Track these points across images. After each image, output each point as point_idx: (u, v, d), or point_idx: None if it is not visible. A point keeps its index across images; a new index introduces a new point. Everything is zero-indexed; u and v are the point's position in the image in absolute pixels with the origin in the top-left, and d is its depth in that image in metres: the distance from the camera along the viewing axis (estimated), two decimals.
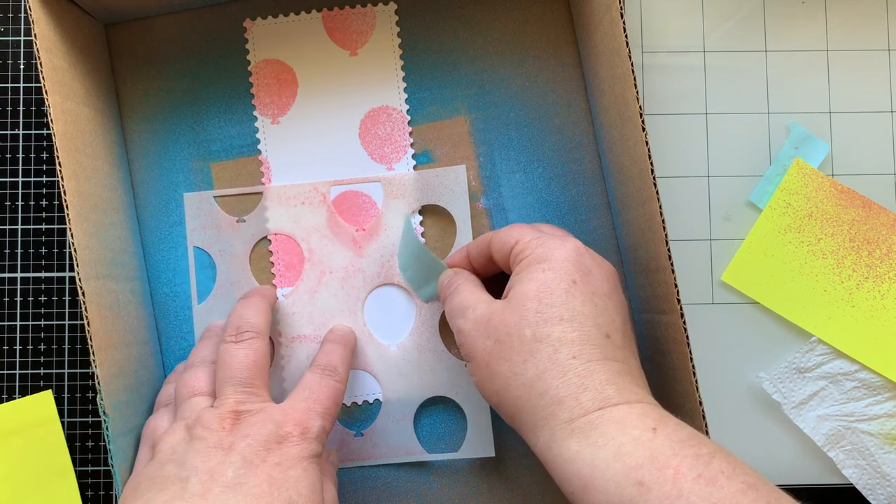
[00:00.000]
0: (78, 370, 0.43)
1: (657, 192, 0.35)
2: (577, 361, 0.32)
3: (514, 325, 0.33)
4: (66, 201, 0.35)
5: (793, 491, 0.30)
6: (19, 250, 0.43)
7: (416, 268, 0.42)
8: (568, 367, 0.32)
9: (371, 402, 0.43)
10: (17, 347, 0.43)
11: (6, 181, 0.43)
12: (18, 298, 0.43)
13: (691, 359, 0.35)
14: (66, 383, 0.43)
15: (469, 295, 0.36)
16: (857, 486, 0.43)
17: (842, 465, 0.43)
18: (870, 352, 0.42)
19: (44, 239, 0.43)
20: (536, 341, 0.32)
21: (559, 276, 0.33)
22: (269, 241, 0.43)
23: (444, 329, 0.43)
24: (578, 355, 0.32)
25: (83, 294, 0.35)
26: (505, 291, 0.35)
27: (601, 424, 0.30)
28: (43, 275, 0.43)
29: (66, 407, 0.43)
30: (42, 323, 0.43)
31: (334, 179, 0.43)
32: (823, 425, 0.43)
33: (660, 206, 0.35)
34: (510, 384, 0.33)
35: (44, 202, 0.43)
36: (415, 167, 0.43)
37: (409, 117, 0.43)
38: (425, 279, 0.42)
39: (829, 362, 0.43)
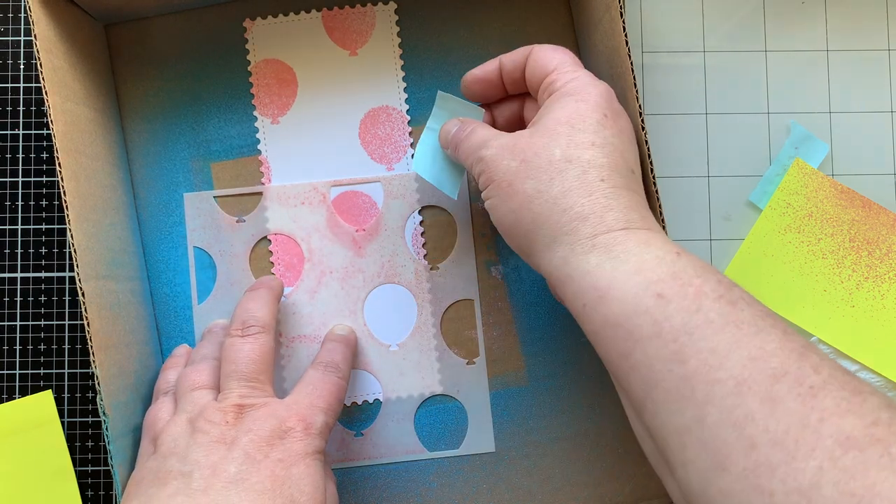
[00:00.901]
0: (78, 370, 0.43)
1: (657, 192, 0.35)
2: (605, 184, 0.32)
3: (543, 146, 0.33)
4: (66, 202, 0.35)
5: None
6: (19, 250, 0.43)
7: (440, 157, 0.41)
8: (595, 188, 0.32)
9: (371, 401, 0.43)
10: (17, 347, 0.43)
11: (6, 181, 0.43)
12: (18, 298, 0.43)
13: None
14: (66, 383, 0.43)
15: (489, 130, 0.36)
16: None
17: None
18: (870, 352, 0.42)
19: (44, 239, 0.43)
20: (566, 161, 0.32)
21: (592, 108, 0.33)
22: (269, 241, 0.43)
23: (444, 329, 0.43)
24: (607, 179, 0.32)
25: (83, 294, 0.35)
26: (532, 122, 0.35)
27: (625, 241, 0.30)
28: (43, 275, 0.43)
29: (66, 407, 0.43)
30: (42, 323, 0.43)
31: (334, 179, 0.43)
32: None
33: (660, 206, 0.35)
34: (532, 201, 0.32)
35: (44, 202, 0.43)
36: None
37: (409, 117, 0.43)
38: (453, 167, 0.41)
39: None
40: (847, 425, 0.24)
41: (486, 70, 0.39)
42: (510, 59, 0.38)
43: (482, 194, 0.35)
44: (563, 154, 0.32)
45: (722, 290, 0.28)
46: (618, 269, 0.30)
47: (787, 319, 0.43)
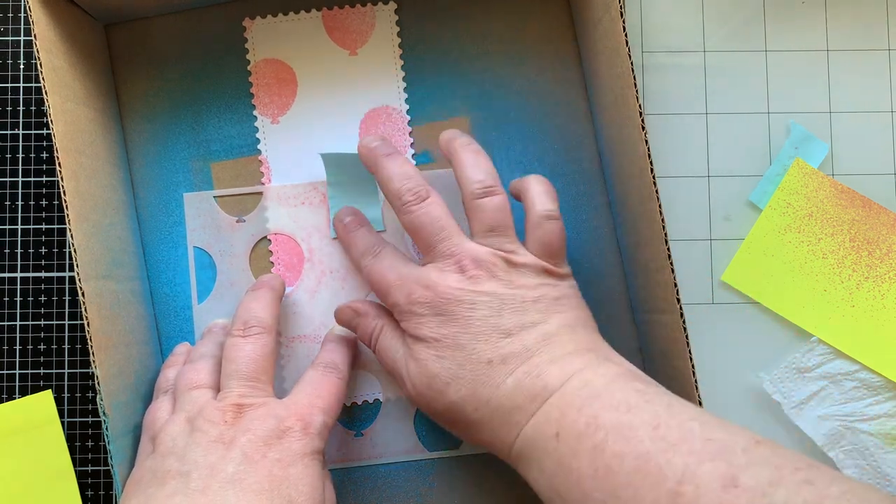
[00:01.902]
0: (78, 370, 0.43)
1: (657, 192, 0.35)
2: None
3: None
4: (65, 202, 0.35)
5: None
6: (19, 250, 0.43)
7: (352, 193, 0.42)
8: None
9: (371, 401, 0.43)
10: (17, 347, 0.43)
11: (6, 181, 0.43)
12: (18, 298, 0.43)
13: (691, 359, 0.35)
14: (66, 383, 0.43)
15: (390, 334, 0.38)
16: None
17: (842, 466, 0.43)
18: (870, 352, 0.42)
19: (44, 239, 0.43)
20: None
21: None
22: (269, 241, 0.43)
23: None
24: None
25: (83, 294, 0.35)
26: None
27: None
28: (43, 275, 0.43)
29: (66, 407, 0.43)
30: (42, 323, 0.43)
31: None
32: (823, 425, 0.43)
33: (659, 206, 0.35)
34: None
35: (44, 202, 0.43)
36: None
37: (408, 117, 0.43)
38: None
39: (829, 362, 0.43)
40: None
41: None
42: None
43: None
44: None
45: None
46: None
47: (788, 319, 0.43)
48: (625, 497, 0.28)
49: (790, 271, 0.43)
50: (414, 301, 0.35)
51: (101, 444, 0.43)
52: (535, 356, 0.33)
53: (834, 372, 0.43)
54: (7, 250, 0.43)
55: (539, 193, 0.37)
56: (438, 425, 0.43)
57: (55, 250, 0.43)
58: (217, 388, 0.36)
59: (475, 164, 0.37)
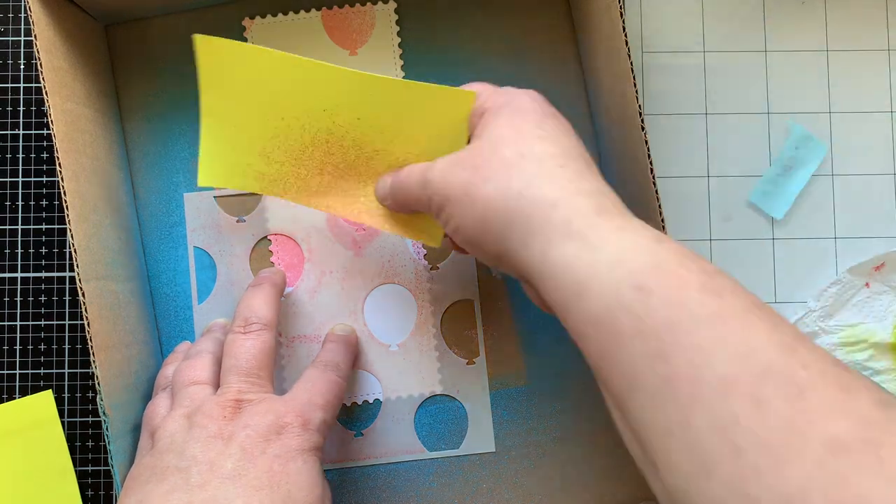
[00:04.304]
0: (78, 370, 0.43)
1: (657, 192, 0.35)
2: (566, 170, 0.30)
3: (491, 150, 0.31)
4: (66, 202, 0.35)
5: None
6: (19, 250, 0.43)
7: None
8: (557, 174, 0.30)
9: (371, 401, 0.43)
10: (17, 347, 0.43)
11: (6, 181, 0.43)
12: (18, 298, 0.43)
13: None
14: (66, 383, 0.43)
15: (424, 163, 0.35)
16: None
17: None
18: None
19: (44, 239, 0.43)
20: (519, 156, 0.31)
21: (528, 110, 0.33)
22: (270, 241, 0.43)
23: (444, 329, 0.43)
24: (565, 165, 0.31)
25: (83, 294, 0.35)
26: (472, 139, 0.34)
27: (601, 227, 0.29)
28: (43, 275, 0.43)
29: (66, 407, 0.43)
30: (42, 323, 0.43)
31: None
32: None
33: (659, 206, 0.35)
34: (496, 201, 0.31)
35: (44, 202, 0.43)
36: None
37: None
38: None
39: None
40: (836, 427, 0.23)
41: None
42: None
43: (441, 220, 0.33)
44: (513, 152, 0.31)
45: (705, 278, 0.27)
46: (597, 260, 0.28)
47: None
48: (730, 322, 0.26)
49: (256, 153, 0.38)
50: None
51: (101, 444, 0.43)
52: None
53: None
54: (7, 250, 0.43)
55: None
56: (439, 425, 0.43)
57: (55, 250, 0.43)
58: (215, 385, 0.36)
59: None
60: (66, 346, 0.43)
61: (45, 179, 0.43)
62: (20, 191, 0.43)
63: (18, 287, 0.43)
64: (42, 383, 0.43)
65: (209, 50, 0.35)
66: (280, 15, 0.43)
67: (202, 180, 0.38)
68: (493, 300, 0.43)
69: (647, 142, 0.35)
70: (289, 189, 0.39)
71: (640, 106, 0.35)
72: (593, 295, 0.28)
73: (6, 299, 0.43)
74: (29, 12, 0.36)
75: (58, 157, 0.35)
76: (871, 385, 0.25)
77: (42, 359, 0.43)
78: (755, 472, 0.24)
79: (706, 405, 0.25)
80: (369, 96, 0.36)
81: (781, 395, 0.24)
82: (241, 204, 0.43)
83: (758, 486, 0.24)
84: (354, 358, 0.41)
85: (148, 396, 0.40)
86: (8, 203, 0.43)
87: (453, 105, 0.35)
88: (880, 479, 0.22)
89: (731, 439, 0.24)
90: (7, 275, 0.43)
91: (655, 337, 0.26)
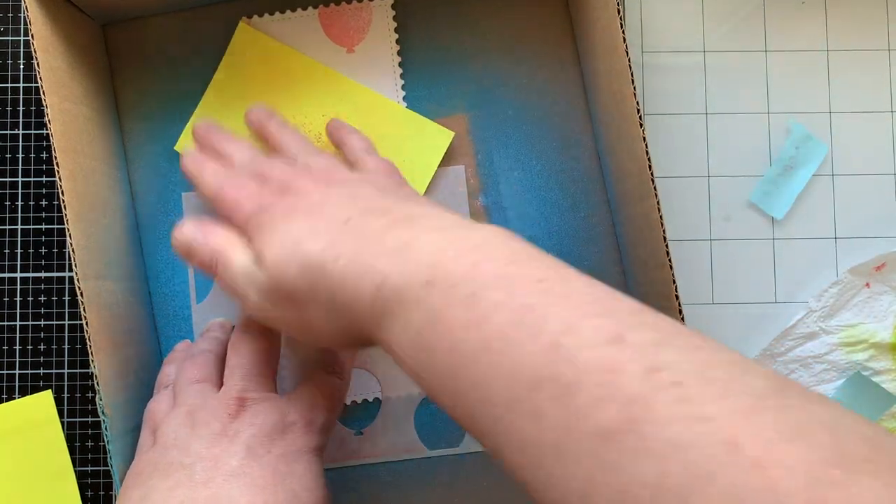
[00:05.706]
0: (78, 370, 0.43)
1: (655, 189, 0.35)
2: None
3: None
4: (64, 202, 0.35)
5: None
6: (19, 250, 0.43)
7: None
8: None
9: (371, 400, 0.43)
10: (17, 347, 0.43)
11: (6, 181, 0.43)
12: (18, 298, 0.43)
13: None
14: (66, 383, 0.43)
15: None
16: None
17: None
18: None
19: (44, 239, 0.43)
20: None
21: None
22: None
23: None
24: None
25: (82, 294, 0.35)
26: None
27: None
28: (43, 275, 0.43)
29: (66, 407, 0.43)
30: (42, 323, 0.43)
31: None
32: None
33: (657, 203, 0.35)
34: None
35: (44, 202, 0.43)
36: None
37: None
38: None
39: (799, 346, 0.43)
40: (604, 416, 0.22)
41: None
42: None
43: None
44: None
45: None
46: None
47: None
48: (497, 348, 0.25)
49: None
50: None
51: (101, 444, 0.43)
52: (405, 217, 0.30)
53: (804, 355, 0.43)
54: (7, 250, 0.43)
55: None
56: (439, 424, 0.43)
57: (55, 250, 0.43)
58: (218, 384, 0.36)
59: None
60: (66, 346, 0.43)
61: (44, 179, 0.43)
62: (20, 191, 0.43)
63: (18, 287, 0.43)
64: (42, 383, 0.43)
65: (244, 38, 0.42)
66: (277, 13, 0.43)
67: (181, 145, 0.41)
68: None
69: (644, 138, 0.35)
70: None
71: (638, 105, 0.35)
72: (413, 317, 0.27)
73: (6, 299, 0.43)
74: (26, 12, 0.36)
75: (56, 158, 0.35)
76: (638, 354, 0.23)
77: (41, 359, 0.43)
78: (541, 477, 0.25)
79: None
80: (366, 110, 0.40)
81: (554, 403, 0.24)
82: None
83: (554, 492, 0.25)
84: (355, 358, 0.41)
85: (147, 396, 0.40)
86: (8, 203, 0.43)
87: (432, 139, 0.40)
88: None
89: (527, 453, 0.27)
90: (6, 275, 0.43)
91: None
